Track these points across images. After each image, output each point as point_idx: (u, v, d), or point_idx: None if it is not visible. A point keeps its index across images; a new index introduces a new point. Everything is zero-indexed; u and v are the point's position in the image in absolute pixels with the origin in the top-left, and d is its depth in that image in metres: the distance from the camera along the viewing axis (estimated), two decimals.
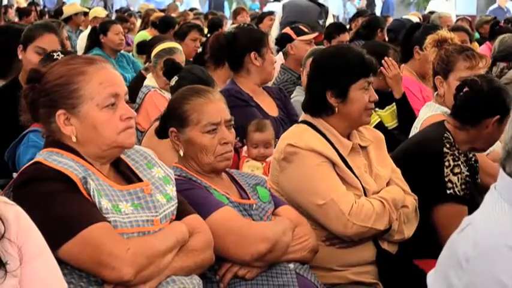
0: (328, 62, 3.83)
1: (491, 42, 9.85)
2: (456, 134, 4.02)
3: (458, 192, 3.89)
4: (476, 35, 11.03)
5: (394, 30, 8.76)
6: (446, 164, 3.91)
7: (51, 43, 4.90)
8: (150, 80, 6.27)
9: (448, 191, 3.89)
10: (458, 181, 3.90)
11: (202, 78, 4.60)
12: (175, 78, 4.63)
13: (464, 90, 4.02)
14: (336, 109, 3.74)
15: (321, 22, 9.26)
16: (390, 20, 10.52)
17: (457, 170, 3.91)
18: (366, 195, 3.70)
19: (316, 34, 7.17)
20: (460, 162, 3.94)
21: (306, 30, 7.22)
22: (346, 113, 3.74)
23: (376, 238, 3.73)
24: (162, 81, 5.86)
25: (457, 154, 3.95)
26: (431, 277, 2.31)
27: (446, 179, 3.89)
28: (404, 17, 11.42)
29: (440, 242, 3.88)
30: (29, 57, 4.93)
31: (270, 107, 5.17)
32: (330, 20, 9.82)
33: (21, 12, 14.00)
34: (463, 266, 2.12)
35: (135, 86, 6.82)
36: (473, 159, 4.18)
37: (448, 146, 3.96)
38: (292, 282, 3.29)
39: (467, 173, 3.95)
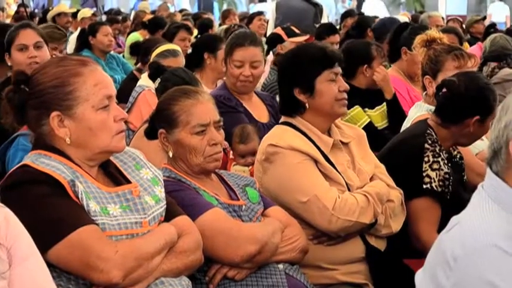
0: (291, 60, 3.88)
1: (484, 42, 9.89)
2: (439, 131, 4.04)
3: (435, 188, 3.90)
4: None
5: (376, 29, 8.77)
6: (426, 159, 3.92)
7: (29, 37, 5.03)
8: (144, 80, 6.26)
9: (425, 186, 3.90)
10: (436, 177, 3.91)
11: (186, 79, 4.58)
12: (158, 80, 4.63)
13: (443, 91, 4.04)
14: (307, 105, 3.78)
15: (317, 26, 9.23)
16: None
17: (435, 166, 3.92)
18: (349, 190, 3.71)
19: (307, 36, 7.18)
20: (440, 159, 3.95)
21: (297, 31, 7.22)
22: (317, 106, 3.77)
23: (363, 234, 3.74)
24: None
25: (437, 151, 3.96)
26: (419, 276, 2.32)
27: (424, 174, 3.90)
28: (394, 16, 11.43)
29: (410, 237, 3.90)
30: (14, 57, 5.06)
31: (260, 113, 5.13)
32: (324, 20, 9.79)
33: (15, 19, 13.93)
34: (451, 266, 2.13)
35: (126, 87, 6.81)
36: (458, 156, 4.19)
37: (429, 142, 3.97)
38: (281, 282, 3.29)
39: (447, 171, 3.95)
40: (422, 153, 3.93)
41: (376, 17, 11.28)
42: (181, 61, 6.00)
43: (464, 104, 3.96)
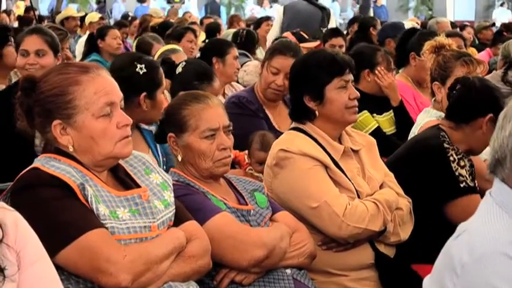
0: (301, 68, 3.89)
1: (492, 48, 9.87)
2: (452, 135, 4.06)
3: (470, 184, 3.94)
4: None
5: (378, 34, 8.78)
6: (451, 158, 3.95)
7: (32, 44, 5.06)
8: None
9: (462, 185, 3.92)
10: (466, 173, 3.95)
11: (205, 66, 4.63)
12: (182, 64, 4.64)
13: (457, 87, 4.07)
14: (316, 112, 3.78)
15: (323, 30, 9.24)
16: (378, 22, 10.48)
17: (462, 163, 3.96)
18: (359, 197, 3.72)
19: (317, 42, 7.20)
20: (461, 156, 3.98)
21: (306, 37, 7.24)
22: (327, 114, 3.78)
23: (372, 241, 3.74)
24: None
25: (456, 149, 4.00)
26: (426, 283, 2.33)
27: (456, 173, 3.94)
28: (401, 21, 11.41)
29: None
30: (17, 61, 5.14)
31: (282, 122, 5.12)
32: (332, 24, 9.80)
33: (22, 21, 13.98)
34: (457, 273, 2.13)
35: None
36: (468, 164, 4.20)
37: (446, 142, 3.99)
38: (289, 287, 3.29)
39: (469, 164, 3.99)
40: (446, 153, 3.96)
41: (375, 19, 11.32)
42: (182, 57, 6.03)
43: (479, 99, 4.00)
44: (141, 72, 4.03)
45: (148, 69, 4.06)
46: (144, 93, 4.00)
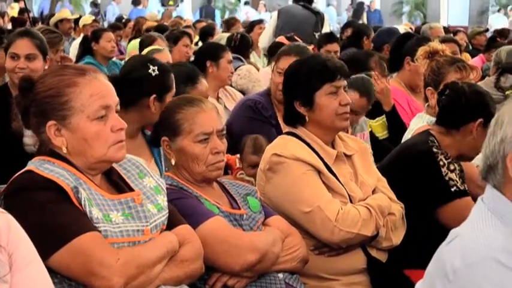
0: (293, 73, 3.88)
1: (486, 54, 9.89)
2: (442, 140, 4.07)
3: (460, 187, 3.95)
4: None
5: (374, 40, 8.79)
6: (441, 163, 3.96)
7: (23, 47, 5.04)
8: None
9: (452, 189, 3.94)
10: (456, 176, 3.96)
11: (190, 68, 4.64)
12: None
13: (446, 92, 4.08)
14: (306, 118, 3.78)
15: (316, 35, 9.25)
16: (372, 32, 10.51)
17: (452, 167, 3.98)
18: (352, 202, 3.72)
19: (311, 47, 7.20)
20: (450, 159, 4.00)
21: (300, 41, 7.25)
22: (317, 120, 3.78)
23: (365, 246, 3.75)
24: None
25: (445, 153, 4.01)
26: (419, 287, 2.33)
27: (447, 178, 3.95)
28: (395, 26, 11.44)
29: None
30: (6, 63, 5.12)
31: None
32: (326, 29, 9.80)
33: (15, 22, 13.97)
34: (449, 278, 2.14)
35: None
36: (458, 168, 4.21)
37: (435, 147, 4.01)
38: None
39: (458, 168, 4.00)
40: (435, 158, 3.97)
41: (368, 26, 11.35)
42: (166, 55, 6.03)
43: (469, 104, 4.00)
44: (153, 74, 4.05)
45: (161, 72, 4.08)
46: (154, 95, 4.01)
